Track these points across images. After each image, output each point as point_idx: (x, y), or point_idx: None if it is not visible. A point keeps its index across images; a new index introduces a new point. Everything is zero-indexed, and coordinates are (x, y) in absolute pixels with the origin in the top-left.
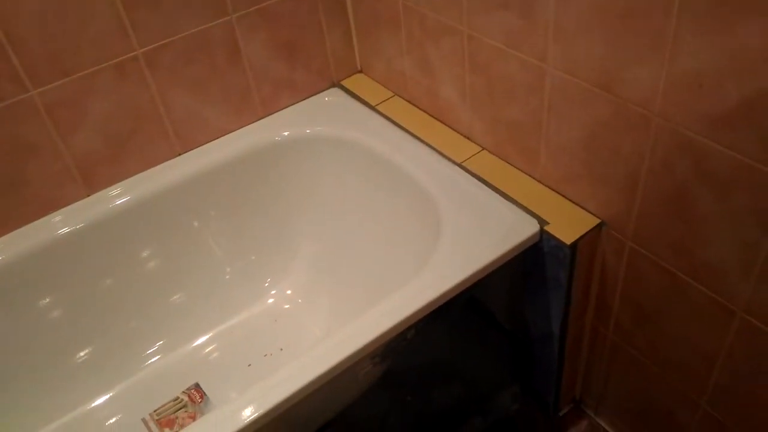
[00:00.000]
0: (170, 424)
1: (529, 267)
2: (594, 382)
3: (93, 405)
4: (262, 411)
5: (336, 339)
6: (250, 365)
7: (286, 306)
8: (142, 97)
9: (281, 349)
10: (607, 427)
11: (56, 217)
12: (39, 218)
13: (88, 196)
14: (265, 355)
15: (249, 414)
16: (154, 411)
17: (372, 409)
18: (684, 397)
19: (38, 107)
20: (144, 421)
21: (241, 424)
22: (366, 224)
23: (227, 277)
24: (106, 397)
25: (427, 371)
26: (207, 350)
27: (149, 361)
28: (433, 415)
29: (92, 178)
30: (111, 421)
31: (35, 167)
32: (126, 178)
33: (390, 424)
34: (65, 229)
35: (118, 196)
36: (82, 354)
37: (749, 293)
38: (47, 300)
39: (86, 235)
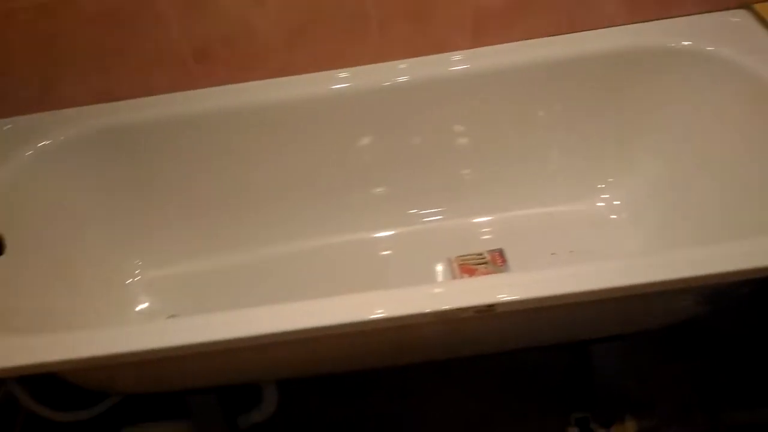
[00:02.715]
0: (469, 272)
1: None
2: None
3: (375, 235)
4: (552, 293)
5: (659, 259)
6: (553, 254)
7: (613, 216)
8: None
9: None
10: None
11: (455, 56)
12: (433, 54)
13: (471, 48)
14: (572, 251)
15: (539, 290)
16: (460, 256)
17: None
18: None
19: None
20: (449, 260)
21: (529, 295)
22: (719, 161)
23: (553, 167)
24: (389, 233)
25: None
26: (517, 224)
27: (428, 219)
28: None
29: (481, 32)
30: (385, 252)
31: (442, 7)
32: (510, 41)
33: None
34: (459, 67)
35: (499, 55)
36: (378, 190)
37: None
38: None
39: (466, 82)
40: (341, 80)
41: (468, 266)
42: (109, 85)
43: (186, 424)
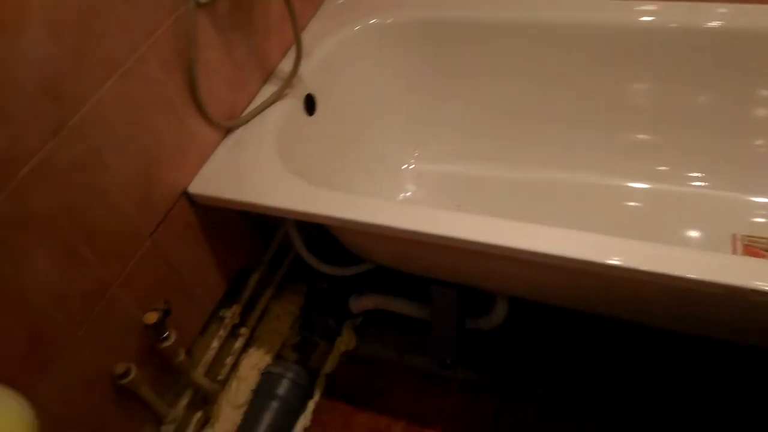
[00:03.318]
0: (754, 254)
1: None
2: None
3: (627, 184)
4: None
5: None
6: None
7: None
8: None
9: None
10: None
11: (721, 8)
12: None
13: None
14: None
15: None
16: (747, 235)
17: None
18: None
19: None
20: (733, 236)
21: None
22: None
23: None
24: (642, 185)
25: None
26: None
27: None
28: None
29: None
30: (633, 204)
31: None
32: None
33: None
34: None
35: None
36: (642, 136)
37: None
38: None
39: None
40: (648, 13)
41: (755, 249)
42: None
43: (423, 307)
